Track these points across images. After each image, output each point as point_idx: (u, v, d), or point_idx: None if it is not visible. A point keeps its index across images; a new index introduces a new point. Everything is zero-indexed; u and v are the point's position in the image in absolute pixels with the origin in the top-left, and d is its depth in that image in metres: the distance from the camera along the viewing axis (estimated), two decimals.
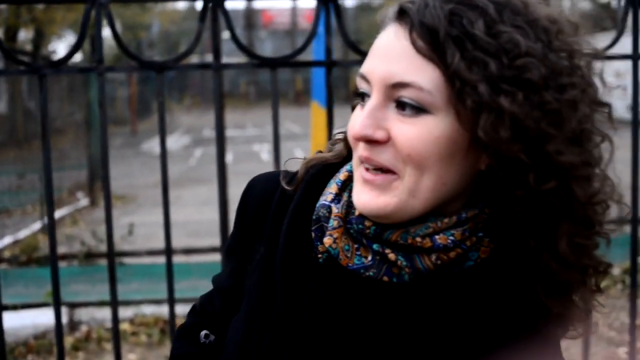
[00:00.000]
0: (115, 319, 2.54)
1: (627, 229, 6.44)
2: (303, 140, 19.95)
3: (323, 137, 8.62)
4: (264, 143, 18.39)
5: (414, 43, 0.83)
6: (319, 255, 0.94)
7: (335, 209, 0.94)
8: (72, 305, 5.12)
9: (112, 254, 2.63)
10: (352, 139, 0.89)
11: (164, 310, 5.25)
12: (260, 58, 2.46)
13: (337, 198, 0.95)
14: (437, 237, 0.88)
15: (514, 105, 0.80)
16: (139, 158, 15.61)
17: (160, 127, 2.57)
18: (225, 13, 2.44)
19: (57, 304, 2.46)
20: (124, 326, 4.94)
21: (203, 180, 12.12)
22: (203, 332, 1.08)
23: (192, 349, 1.09)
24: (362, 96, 0.90)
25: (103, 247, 7.02)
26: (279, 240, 0.97)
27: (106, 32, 2.49)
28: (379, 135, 0.85)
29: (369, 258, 0.90)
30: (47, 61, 2.51)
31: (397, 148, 0.85)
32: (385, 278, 0.90)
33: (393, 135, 0.85)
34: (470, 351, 0.89)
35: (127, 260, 6.76)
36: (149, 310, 5.16)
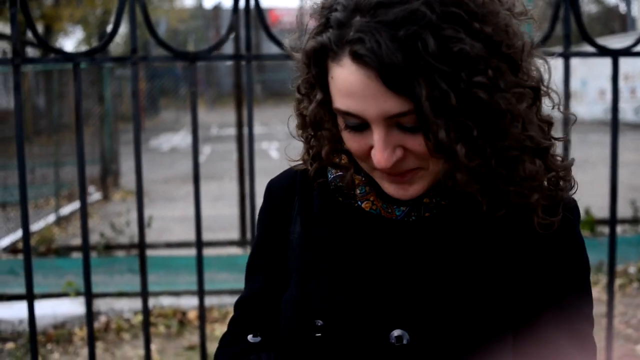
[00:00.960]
0: (146, 310, 2.56)
1: None
2: None
3: None
4: (273, 141, 18.41)
5: (387, 85, 0.87)
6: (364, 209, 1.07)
7: (357, 178, 1.07)
8: (92, 296, 5.17)
9: (143, 246, 2.66)
10: (376, 168, 0.96)
11: (181, 302, 5.30)
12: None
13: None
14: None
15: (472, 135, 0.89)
16: (148, 155, 15.66)
17: (192, 118, 2.60)
18: (258, 6, 2.48)
19: (88, 294, 2.48)
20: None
21: (213, 176, 12.17)
22: (249, 335, 1.17)
23: (243, 347, 1.16)
24: (352, 125, 0.96)
25: (121, 239, 7.10)
26: (313, 211, 1.11)
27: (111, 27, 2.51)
28: (399, 154, 0.93)
29: (403, 208, 1.05)
30: (82, 51, 2.54)
31: (416, 155, 0.94)
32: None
33: (409, 148, 0.93)
34: (490, 259, 1.02)
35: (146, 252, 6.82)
36: (167, 301, 5.20)
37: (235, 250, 6.99)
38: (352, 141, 0.97)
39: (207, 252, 6.49)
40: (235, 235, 7.39)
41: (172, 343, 4.67)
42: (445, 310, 1.00)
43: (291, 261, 1.13)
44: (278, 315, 1.13)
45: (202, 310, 2.69)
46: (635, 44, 2.49)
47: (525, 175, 0.96)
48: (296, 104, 1.09)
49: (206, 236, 7.22)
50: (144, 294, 2.67)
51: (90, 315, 2.69)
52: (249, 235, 7.20)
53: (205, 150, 17.44)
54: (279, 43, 2.57)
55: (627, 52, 2.51)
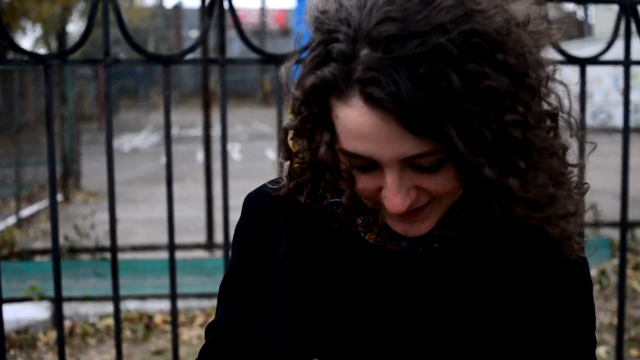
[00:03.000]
0: (117, 313, 2.53)
1: (603, 231, 6.61)
2: (274, 140, 19.91)
3: None
4: (234, 142, 18.33)
5: (408, 128, 0.78)
6: (370, 241, 1.00)
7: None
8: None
9: (114, 249, 2.62)
10: (391, 212, 0.88)
11: (148, 306, 5.25)
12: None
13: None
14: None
15: (517, 179, 0.82)
16: None
17: (165, 121, 2.58)
18: (232, 9, 2.49)
19: (58, 299, 2.43)
20: (108, 321, 4.92)
21: (176, 178, 11.98)
22: None
23: None
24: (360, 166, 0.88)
25: (85, 242, 6.99)
26: (301, 234, 1.02)
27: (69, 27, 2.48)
28: (413, 197, 0.86)
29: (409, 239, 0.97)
30: (53, 53, 2.50)
31: (431, 193, 0.87)
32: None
33: (424, 188, 0.86)
34: (497, 295, 0.96)
35: (109, 255, 6.74)
36: (133, 306, 5.15)
37: (201, 254, 6.93)
38: (358, 181, 0.88)
39: (175, 254, 6.44)
40: (201, 238, 7.34)
41: (138, 348, 4.62)
42: (455, 346, 0.94)
43: (276, 286, 1.06)
44: (259, 343, 1.06)
45: (174, 315, 2.67)
46: (602, 53, 2.54)
47: (563, 213, 0.90)
48: (283, 134, 0.98)
49: (174, 239, 7.17)
50: (116, 297, 2.63)
51: (61, 319, 2.65)
52: (216, 239, 7.16)
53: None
54: (255, 49, 2.57)
55: (594, 60, 2.57)
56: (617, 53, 2.54)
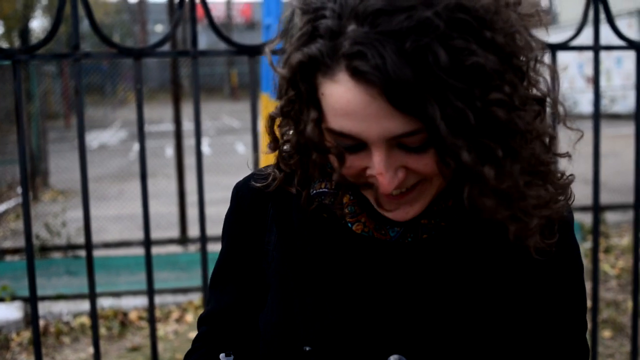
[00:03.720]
0: (94, 311, 2.49)
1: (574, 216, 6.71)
2: (243, 134, 19.86)
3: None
4: (203, 137, 18.18)
5: (393, 103, 0.77)
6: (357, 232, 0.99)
7: (346, 197, 0.98)
8: (28, 300, 5.02)
9: (89, 247, 2.59)
10: (379, 191, 0.88)
11: (122, 302, 5.21)
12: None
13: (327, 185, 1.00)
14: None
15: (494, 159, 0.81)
16: (75, 152, 15.23)
17: (138, 115, 2.56)
18: (205, 2, 2.47)
19: (33, 298, 2.40)
20: (83, 319, 4.87)
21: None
22: (222, 355, 1.06)
23: None
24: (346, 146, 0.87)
25: (56, 241, 6.90)
26: (291, 224, 1.01)
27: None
28: (401, 176, 0.85)
29: (398, 228, 0.97)
30: (22, 47, 2.46)
31: (419, 173, 0.86)
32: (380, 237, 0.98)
33: (412, 168, 0.85)
34: (487, 283, 0.96)
35: (82, 253, 6.66)
36: (107, 303, 5.10)
37: (175, 249, 6.89)
38: (345, 163, 0.87)
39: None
40: (173, 233, 7.29)
41: (114, 345, 4.58)
42: (444, 333, 0.94)
43: (267, 274, 1.05)
44: (252, 331, 1.06)
45: (152, 311, 2.64)
46: (572, 38, 2.57)
47: (535, 203, 0.88)
48: (269, 122, 0.97)
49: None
50: (92, 294, 2.60)
51: (36, 319, 2.61)
52: (189, 233, 7.12)
53: (135, 148, 17.11)
54: (228, 40, 2.55)
55: (564, 46, 2.60)
56: (583, 40, 2.57)
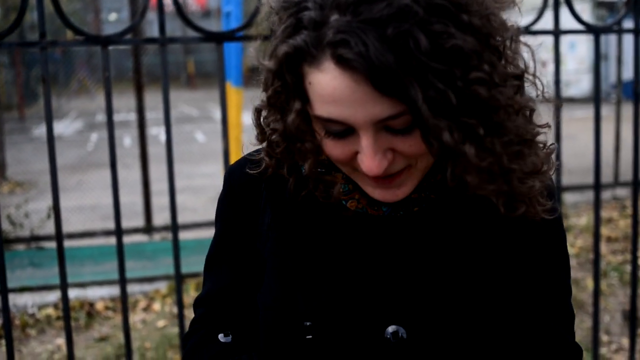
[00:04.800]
0: (66, 302, 2.48)
1: None
2: (202, 123, 19.73)
3: (237, 117, 8.54)
4: (161, 126, 17.97)
5: (378, 88, 0.81)
6: (350, 210, 1.03)
7: (338, 176, 1.01)
8: None
9: (60, 238, 2.57)
10: (368, 175, 0.91)
11: (88, 293, 5.17)
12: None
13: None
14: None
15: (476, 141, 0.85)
16: (32, 144, 14.99)
17: (107, 103, 2.54)
18: None
19: (3, 290, 2.38)
20: (49, 311, 4.83)
21: (103, 164, 11.78)
22: (220, 335, 1.10)
23: (217, 349, 1.10)
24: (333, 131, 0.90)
25: (19, 233, 6.80)
26: (285, 204, 1.04)
27: None
28: (389, 158, 0.88)
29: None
30: None
31: (405, 156, 0.90)
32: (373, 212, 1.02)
33: (399, 150, 0.89)
34: (478, 253, 1.00)
35: (46, 244, 6.58)
36: (73, 294, 5.06)
37: (140, 238, 6.85)
38: (334, 148, 0.91)
39: (112, 240, 6.34)
40: (136, 222, 7.24)
41: (81, 335, 4.55)
42: (441, 302, 0.98)
43: (263, 255, 1.08)
44: (249, 311, 1.08)
45: (124, 300, 2.64)
46: (533, 23, 2.63)
47: (529, 170, 0.92)
48: (256, 115, 1.02)
49: (108, 225, 7.06)
50: (63, 285, 2.59)
51: (7, 312, 2.59)
52: (154, 222, 7.07)
53: (92, 138, 16.88)
54: (196, 27, 2.55)
55: (526, 30, 2.66)
56: (539, 24, 2.63)
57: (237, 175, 1.11)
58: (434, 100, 0.80)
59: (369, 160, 0.87)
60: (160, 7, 2.52)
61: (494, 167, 0.87)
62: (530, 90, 0.95)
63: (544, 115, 1.00)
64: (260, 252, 1.08)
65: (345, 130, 0.88)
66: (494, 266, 1.00)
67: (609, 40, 13.23)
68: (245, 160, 1.11)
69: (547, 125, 0.99)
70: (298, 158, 0.97)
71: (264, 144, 1.03)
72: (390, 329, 0.98)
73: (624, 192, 8.40)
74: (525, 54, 0.93)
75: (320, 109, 0.87)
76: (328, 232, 1.02)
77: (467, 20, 0.82)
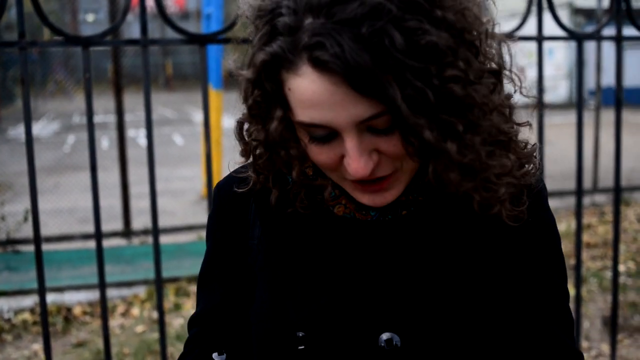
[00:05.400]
0: (44, 306, 2.44)
1: None
2: (180, 125, 19.62)
3: (217, 120, 8.53)
4: (140, 128, 17.90)
5: (356, 89, 0.80)
6: (340, 213, 1.01)
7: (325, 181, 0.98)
8: None
9: (38, 241, 2.53)
10: (348, 178, 0.91)
11: (65, 298, 5.10)
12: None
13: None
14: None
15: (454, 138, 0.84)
16: (7, 145, 14.83)
17: (87, 105, 2.50)
18: None
19: None
20: (25, 316, 4.75)
21: (81, 167, 11.65)
22: (215, 354, 1.08)
23: None
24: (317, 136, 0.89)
25: None
26: (273, 215, 1.03)
27: None
28: (375, 159, 0.87)
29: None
30: None
31: (391, 157, 0.88)
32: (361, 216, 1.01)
33: (384, 150, 0.87)
34: (467, 257, 0.98)
35: (22, 248, 6.48)
36: (50, 298, 4.97)
37: (119, 242, 6.78)
38: (319, 154, 0.90)
39: (90, 244, 6.25)
40: (116, 226, 7.16)
41: (59, 341, 4.48)
42: (435, 307, 0.96)
43: (254, 270, 1.06)
44: (243, 328, 1.07)
45: (104, 305, 2.60)
46: (517, 29, 2.63)
47: (499, 172, 0.91)
48: (238, 128, 1.00)
49: (86, 228, 6.99)
50: (41, 290, 2.54)
51: None
52: (133, 226, 7.00)
53: (69, 140, 16.72)
54: (178, 29, 2.52)
55: (509, 36, 2.66)
56: (520, 31, 2.63)
57: (225, 191, 1.10)
58: (413, 98, 0.80)
59: (355, 162, 0.86)
60: (143, 8, 2.49)
61: (475, 163, 0.87)
62: (509, 88, 0.95)
63: (525, 117, 0.99)
64: (251, 267, 1.07)
65: (329, 135, 0.87)
66: (485, 269, 0.99)
67: (586, 47, 13.37)
68: (234, 175, 1.10)
69: (528, 124, 0.98)
70: (282, 167, 0.96)
71: (250, 160, 1.02)
72: (384, 336, 0.96)
73: (602, 199, 8.48)
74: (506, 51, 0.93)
75: (302, 114, 0.86)
76: (316, 241, 1.01)
77: (441, 16, 0.81)
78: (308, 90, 0.83)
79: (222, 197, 1.10)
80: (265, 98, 0.89)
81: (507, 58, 0.93)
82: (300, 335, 0.98)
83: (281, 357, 0.99)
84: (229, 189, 1.09)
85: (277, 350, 1.00)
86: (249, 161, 1.03)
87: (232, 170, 1.12)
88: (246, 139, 0.99)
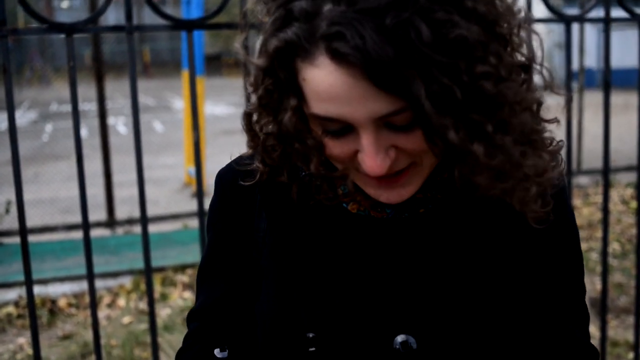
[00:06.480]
0: (31, 299, 2.38)
1: None
2: (160, 112, 19.48)
3: (200, 106, 8.43)
4: (119, 116, 17.75)
5: (377, 84, 0.74)
6: (353, 211, 0.97)
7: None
8: None
9: (24, 232, 2.47)
10: (370, 175, 0.84)
11: (49, 290, 5.03)
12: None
13: None
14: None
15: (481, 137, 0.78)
16: None
17: (71, 94, 2.44)
18: None
19: None
20: (9, 309, 4.68)
21: (61, 156, 11.55)
22: (216, 350, 1.03)
23: None
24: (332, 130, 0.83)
25: None
26: (281, 208, 0.98)
27: None
28: (392, 156, 0.82)
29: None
30: None
31: (409, 153, 0.83)
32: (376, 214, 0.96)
33: (401, 147, 0.82)
34: (485, 256, 0.94)
35: (4, 240, 6.38)
36: (34, 291, 4.91)
37: (102, 232, 6.70)
38: (333, 148, 0.84)
39: (74, 235, 6.18)
40: (99, 216, 7.08)
41: (44, 334, 4.41)
42: (452, 309, 0.92)
43: (260, 263, 1.01)
44: (246, 324, 1.02)
45: (92, 296, 2.55)
46: None
47: (534, 172, 0.84)
48: (246, 119, 0.93)
49: (69, 218, 6.90)
50: (28, 283, 2.48)
51: None
52: (117, 215, 6.93)
53: (47, 129, 16.51)
54: (165, 15, 2.46)
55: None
56: None
57: (228, 180, 1.04)
58: (438, 96, 0.74)
59: (371, 159, 0.81)
60: None
61: (504, 165, 0.80)
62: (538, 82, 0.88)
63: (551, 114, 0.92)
64: (256, 261, 1.02)
65: (344, 129, 0.82)
66: (504, 268, 0.94)
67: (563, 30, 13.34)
68: (236, 163, 1.03)
69: (556, 120, 0.92)
70: (298, 160, 0.89)
71: (258, 150, 0.95)
72: (399, 338, 0.92)
73: (586, 180, 8.52)
74: (534, 42, 0.86)
75: (317, 106, 0.80)
76: (329, 238, 0.96)
77: (472, 7, 0.75)
78: (324, 82, 0.77)
79: (225, 186, 1.04)
80: (277, 87, 0.83)
81: (537, 51, 0.85)
82: (311, 336, 0.93)
83: (290, 358, 0.95)
84: (232, 177, 1.03)
85: (285, 351, 0.95)
86: (249, 152, 0.98)
87: (233, 159, 1.06)
88: (256, 130, 0.92)
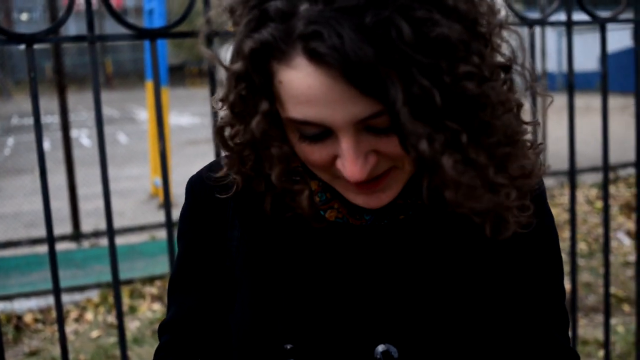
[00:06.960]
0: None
1: None
2: (124, 124, 19.26)
3: (164, 117, 8.36)
4: (82, 128, 17.53)
5: (356, 85, 0.71)
6: (329, 218, 0.94)
7: (314, 183, 0.93)
8: None
9: None
10: (350, 180, 0.81)
11: (15, 306, 4.93)
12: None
13: None
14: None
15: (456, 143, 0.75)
16: None
17: (33, 105, 2.39)
18: None
19: None
20: None
21: (24, 170, 11.36)
22: None
23: None
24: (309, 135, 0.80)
25: None
26: (255, 216, 0.95)
27: None
28: (372, 162, 0.79)
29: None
30: None
31: (390, 157, 0.81)
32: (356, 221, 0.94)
33: (382, 151, 0.80)
34: (462, 265, 0.92)
35: None
36: None
37: (68, 245, 6.59)
38: (310, 153, 0.81)
39: (38, 249, 6.07)
40: (65, 229, 6.96)
41: (10, 350, 4.32)
42: (433, 317, 0.90)
43: (233, 273, 0.98)
44: (220, 335, 0.99)
45: (59, 311, 2.49)
46: None
47: (518, 175, 0.81)
48: (219, 136, 0.88)
49: (33, 233, 6.78)
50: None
51: None
52: (82, 228, 6.82)
53: (8, 142, 16.24)
54: (128, 24, 2.43)
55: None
56: None
57: (200, 186, 1.00)
58: (417, 100, 0.71)
59: (351, 165, 0.78)
60: (89, 3, 2.39)
61: (475, 181, 0.76)
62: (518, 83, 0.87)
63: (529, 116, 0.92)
64: (230, 270, 0.99)
65: (322, 133, 0.78)
66: (485, 274, 0.93)
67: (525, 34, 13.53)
68: (207, 170, 1.00)
69: (537, 123, 0.91)
70: (267, 169, 0.86)
71: (234, 161, 0.91)
72: (380, 348, 0.90)
73: (550, 182, 8.62)
74: (513, 41, 0.86)
75: (294, 110, 0.77)
76: (306, 246, 0.93)
77: (453, 5, 0.73)
78: (302, 84, 0.74)
79: (196, 193, 1.01)
80: (250, 92, 0.79)
81: (517, 52, 0.83)
82: (289, 347, 0.91)
83: None
84: (204, 185, 0.99)
85: None
86: (223, 157, 0.94)
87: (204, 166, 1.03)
88: (230, 144, 0.88)
